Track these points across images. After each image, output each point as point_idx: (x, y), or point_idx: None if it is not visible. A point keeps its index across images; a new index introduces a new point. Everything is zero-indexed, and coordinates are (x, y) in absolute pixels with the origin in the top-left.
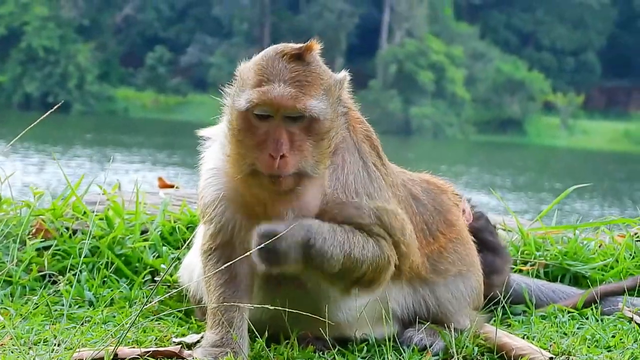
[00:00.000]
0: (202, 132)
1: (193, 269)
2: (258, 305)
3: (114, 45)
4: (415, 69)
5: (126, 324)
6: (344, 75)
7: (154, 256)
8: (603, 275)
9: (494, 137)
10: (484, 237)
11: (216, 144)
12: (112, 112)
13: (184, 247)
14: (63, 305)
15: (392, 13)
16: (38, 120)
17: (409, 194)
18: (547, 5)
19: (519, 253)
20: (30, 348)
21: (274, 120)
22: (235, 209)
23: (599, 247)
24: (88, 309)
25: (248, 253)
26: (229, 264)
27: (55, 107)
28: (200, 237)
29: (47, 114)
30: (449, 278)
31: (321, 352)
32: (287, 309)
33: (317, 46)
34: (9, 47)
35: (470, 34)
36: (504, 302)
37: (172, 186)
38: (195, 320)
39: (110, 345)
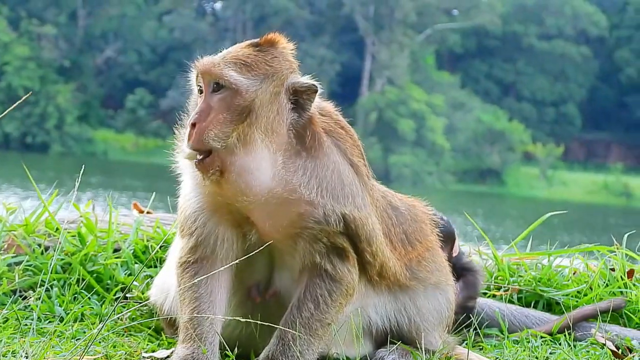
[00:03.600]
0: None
1: (168, 288)
2: (231, 318)
3: (95, 87)
4: (396, 117)
5: (92, 334)
6: (310, 83)
7: (125, 274)
8: (577, 301)
9: (473, 187)
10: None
11: None
12: (91, 153)
13: (149, 258)
14: (33, 319)
15: (373, 61)
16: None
17: (389, 204)
18: (528, 57)
19: (493, 278)
20: None
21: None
22: (218, 221)
23: (573, 274)
24: (58, 324)
25: (227, 267)
26: (206, 275)
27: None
28: (177, 251)
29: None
30: (428, 287)
31: None
32: (260, 322)
33: (281, 42)
34: None
35: (451, 83)
36: (476, 324)
37: (143, 211)
38: (165, 337)
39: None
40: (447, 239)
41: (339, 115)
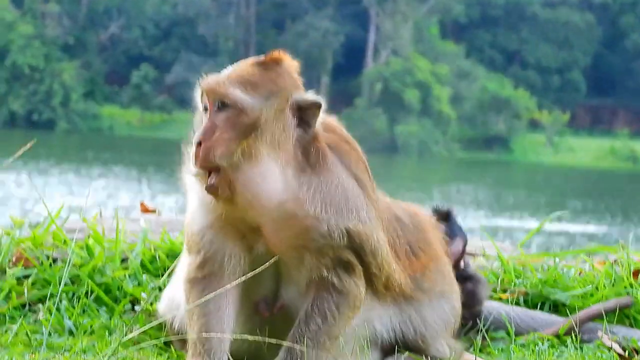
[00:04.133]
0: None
1: (178, 304)
2: (239, 336)
3: (99, 63)
4: (401, 87)
5: (106, 353)
6: (316, 100)
7: (134, 285)
8: (583, 303)
9: (480, 155)
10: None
11: None
12: (97, 130)
13: (164, 276)
14: (43, 334)
15: (377, 32)
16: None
17: (393, 215)
18: (532, 25)
19: (499, 281)
20: None
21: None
22: (225, 237)
23: (579, 274)
24: (68, 338)
25: (234, 283)
26: (214, 293)
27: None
28: (184, 266)
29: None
30: (433, 298)
31: None
32: (268, 339)
33: (286, 59)
34: None
35: (456, 52)
36: (483, 330)
37: (153, 211)
38: (175, 350)
39: None
40: (456, 240)
41: (344, 129)
